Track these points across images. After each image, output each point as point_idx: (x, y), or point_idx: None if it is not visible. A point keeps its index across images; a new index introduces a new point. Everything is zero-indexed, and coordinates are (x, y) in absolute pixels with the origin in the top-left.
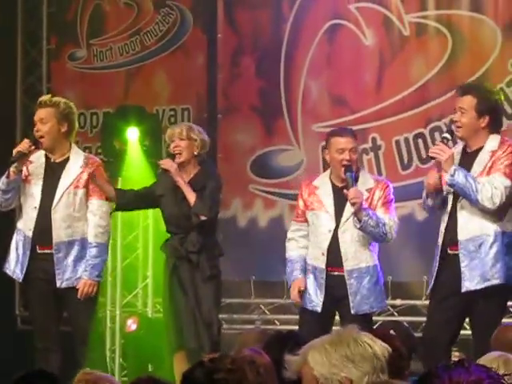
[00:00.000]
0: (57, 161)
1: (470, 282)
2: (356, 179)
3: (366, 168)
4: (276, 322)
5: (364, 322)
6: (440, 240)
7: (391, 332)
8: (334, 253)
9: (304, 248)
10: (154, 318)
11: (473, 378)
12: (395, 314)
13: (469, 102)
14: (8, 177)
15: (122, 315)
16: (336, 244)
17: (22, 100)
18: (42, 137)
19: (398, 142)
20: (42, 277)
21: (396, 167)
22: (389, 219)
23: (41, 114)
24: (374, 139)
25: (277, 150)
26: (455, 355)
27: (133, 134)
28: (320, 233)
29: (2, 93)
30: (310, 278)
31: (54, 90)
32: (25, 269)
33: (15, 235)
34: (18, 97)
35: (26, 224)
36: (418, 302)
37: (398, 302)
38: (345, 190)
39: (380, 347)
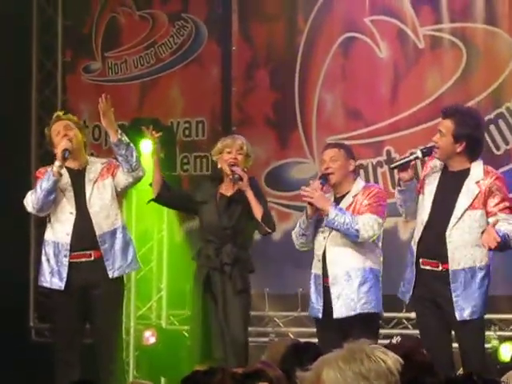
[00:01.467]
0: (78, 168)
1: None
2: (327, 186)
3: (381, 181)
4: (290, 334)
5: (347, 325)
6: (415, 252)
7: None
8: (325, 260)
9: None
10: (168, 329)
11: None
12: (409, 326)
13: (447, 125)
14: (54, 175)
15: (137, 327)
16: (326, 252)
17: (37, 113)
18: (70, 140)
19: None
20: (75, 287)
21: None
22: (366, 217)
23: (63, 123)
24: (388, 152)
25: (291, 163)
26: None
27: (146, 147)
28: (317, 240)
29: (18, 105)
30: (312, 286)
31: (69, 103)
32: (64, 276)
33: (44, 248)
34: (33, 109)
35: (60, 230)
36: None
37: (413, 314)
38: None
39: (393, 361)
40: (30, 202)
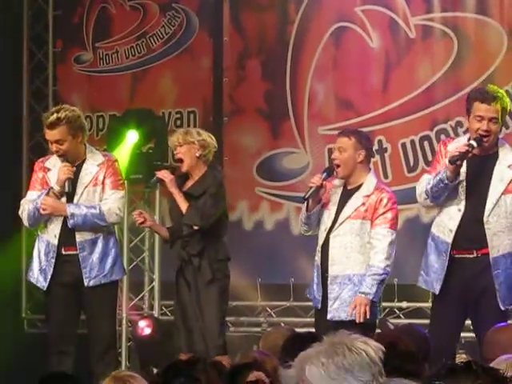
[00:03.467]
0: (75, 165)
1: (503, 301)
2: (328, 175)
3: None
4: (282, 324)
5: (337, 329)
6: (449, 240)
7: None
8: (324, 254)
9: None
10: (160, 320)
11: (480, 381)
12: (401, 316)
13: (496, 111)
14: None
15: (129, 318)
16: (326, 246)
17: (28, 103)
18: (63, 155)
19: (404, 145)
20: (66, 280)
21: (402, 170)
22: (381, 243)
23: (55, 135)
24: (380, 142)
25: (283, 153)
26: (462, 357)
27: (132, 137)
28: (320, 230)
29: (9, 96)
30: (315, 274)
31: (60, 93)
32: (49, 277)
33: (37, 242)
34: (24, 99)
35: (51, 230)
36: (424, 305)
37: (404, 304)
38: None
39: (374, 349)
40: (26, 216)
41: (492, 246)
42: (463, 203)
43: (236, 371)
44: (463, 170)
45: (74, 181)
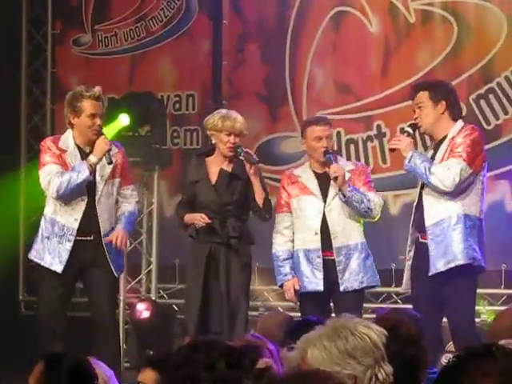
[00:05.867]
0: (88, 150)
1: (436, 264)
2: (335, 160)
3: (370, 155)
4: (280, 308)
5: (355, 298)
6: (411, 230)
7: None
8: (324, 233)
9: (290, 241)
10: (158, 303)
11: (500, 365)
12: (399, 301)
13: (422, 95)
14: (89, 171)
15: (126, 301)
16: (325, 224)
17: (26, 85)
18: (100, 130)
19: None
20: (73, 266)
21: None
22: (374, 196)
23: (100, 108)
24: (378, 126)
25: (281, 137)
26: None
27: (124, 120)
28: (309, 215)
29: (7, 78)
30: (303, 262)
31: (58, 75)
32: (65, 260)
33: (45, 224)
34: (22, 81)
35: (69, 214)
36: None
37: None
38: (327, 168)
39: (377, 334)
40: (55, 186)
41: (428, 216)
42: (418, 190)
43: (243, 355)
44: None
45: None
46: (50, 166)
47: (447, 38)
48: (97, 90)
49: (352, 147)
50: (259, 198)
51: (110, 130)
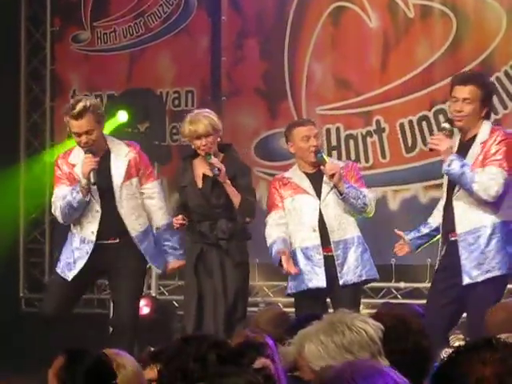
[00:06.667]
0: (100, 156)
1: (471, 273)
2: (326, 158)
3: (370, 151)
4: (280, 304)
5: (353, 292)
6: (441, 228)
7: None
8: (322, 229)
9: (283, 232)
10: (158, 299)
11: (499, 355)
12: (399, 296)
13: (473, 91)
14: (83, 194)
15: None
16: (322, 221)
17: (26, 82)
18: (92, 146)
19: (402, 125)
20: (92, 267)
21: (400, 150)
22: (367, 191)
23: (83, 126)
24: (378, 122)
25: (281, 133)
26: (458, 337)
27: (122, 117)
28: (305, 213)
29: (7, 75)
30: (302, 260)
31: (57, 73)
32: (78, 268)
33: (71, 238)
34: (22, 79)
35: (86, 228)
36: (421, 285)
37: (402, 284)
38: (321, 167)
39: (374, 328)
40: (59, 214)
41: (460, 222)
42: (445, 191)
43: (241, 353)
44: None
45: (105, 174)
46: (57, 189)
47: (446, 33)
48: (79, 107)
49: (351, 142)
50: (235, 201)
51: (109, 127)
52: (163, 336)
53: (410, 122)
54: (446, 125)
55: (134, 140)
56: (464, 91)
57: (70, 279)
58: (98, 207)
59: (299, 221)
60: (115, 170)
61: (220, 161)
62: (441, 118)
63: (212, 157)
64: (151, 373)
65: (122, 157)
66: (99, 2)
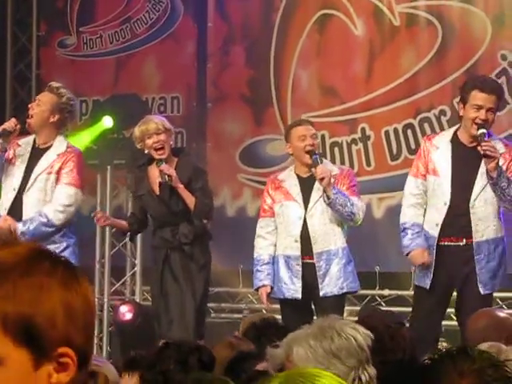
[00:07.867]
0: (41, 147)
1: (486, 284)
2: (321, 161)
3: (355, 159)
4: (264, 311)
5: (335, 303)
6: (436, 233)
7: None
8: (305, 239)
9: (272, 245)
10: (142, 305)
11: (476, 366)
12: (383, 304)
13: (496, 101)
14: None
15: (110, 303)
16: (306, 230)
17: (11, 86)
18: (31, 116)
19: (387, 133)
20: None
21: (385, 158)
22: (357, 200)
23: (41, 96)
24: (363, 129)
25: (266, 140)
26: (442, 345)
27: (107, 122)
28: (291, 222)
29: None
30: (283, 268)
31: (43, 77)
32: None
33: None
34: (7, 83)
35: (2, 204)
36: (405, 292)
37: (386, 292)
38: (312, 169)
39: (363, 336)
40: None
41: (476, 230)
42: (449, 196)
43: (240, 359)
44: (448, 162)
45: (34, 166)
46: None
47: (432, 41)
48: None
49: (336, 150)
50: (190, 204)
51: (91, 134)
52: (146, 341)
53: (395, 129)
54: (484, 130)
55: (119, 146)
56: (490, 100)
57: None
58: (15, 186)
59: (285, 228)
60: (42, 161)
61: (174, 165)
62: (426, 126)
63: (163, 163)
64: (133, 380)
65: (54, 152)
66: (85, 7)
